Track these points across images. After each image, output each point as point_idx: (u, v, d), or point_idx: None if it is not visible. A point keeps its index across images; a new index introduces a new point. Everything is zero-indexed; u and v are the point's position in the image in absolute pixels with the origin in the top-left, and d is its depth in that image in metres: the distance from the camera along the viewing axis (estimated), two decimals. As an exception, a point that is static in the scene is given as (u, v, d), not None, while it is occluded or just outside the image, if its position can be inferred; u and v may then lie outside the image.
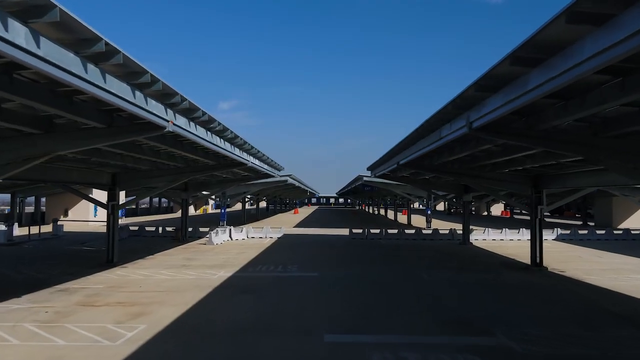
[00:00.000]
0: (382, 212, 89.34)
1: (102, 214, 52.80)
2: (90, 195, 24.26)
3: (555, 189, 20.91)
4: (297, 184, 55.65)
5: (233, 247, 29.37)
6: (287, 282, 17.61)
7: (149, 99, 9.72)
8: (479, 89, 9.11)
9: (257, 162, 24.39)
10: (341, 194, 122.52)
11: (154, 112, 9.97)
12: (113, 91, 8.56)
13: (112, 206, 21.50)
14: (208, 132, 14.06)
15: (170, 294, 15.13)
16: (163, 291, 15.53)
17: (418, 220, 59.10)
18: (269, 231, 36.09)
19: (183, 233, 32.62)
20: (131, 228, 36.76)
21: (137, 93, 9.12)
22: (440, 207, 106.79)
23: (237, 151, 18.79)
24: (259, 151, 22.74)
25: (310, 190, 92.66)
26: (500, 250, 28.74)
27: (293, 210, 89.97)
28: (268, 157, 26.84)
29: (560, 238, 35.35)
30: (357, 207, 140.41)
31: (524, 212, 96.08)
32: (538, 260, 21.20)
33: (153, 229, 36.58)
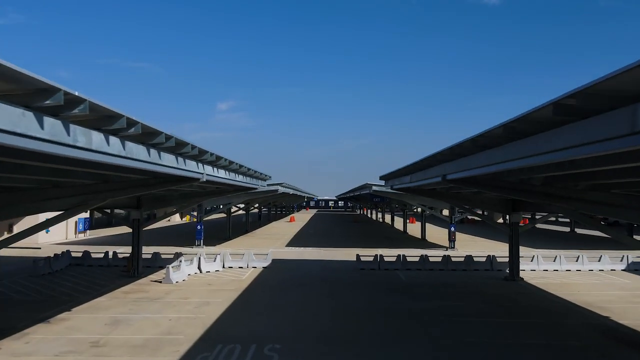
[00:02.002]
0: (386, 217, 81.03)
1: (58, 231, 44.21)
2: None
3: None
4: (291, 192, 47.49)
5: (197, 289, 21.10)
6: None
7: None
8: None
9: (222, 174, 16.15)
10: (342, 198, 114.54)
11: None
12: None
13: (-22, 248, 13.18)
14: (71, 128, 5.88)
15: None
16: None
17: (434, 234, 50.73)
18: (252, 258, 27.77)
19: (135, 264, 24.32)
20: (74, 254, 28.39)
21: None
22: (446, 211, 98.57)
23: (168, 160, 10.55)
24: (218, 158, 14.45)
25: (308, 195, 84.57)
26: (571, 292, 20.52)
27: (289, 218, 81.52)
28: (243, 167, 18.70)
29: (632, 268, 27.09)
30: (358, 211, 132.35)
31: (535, 217, 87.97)
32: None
33: (102, 254, 28.23)
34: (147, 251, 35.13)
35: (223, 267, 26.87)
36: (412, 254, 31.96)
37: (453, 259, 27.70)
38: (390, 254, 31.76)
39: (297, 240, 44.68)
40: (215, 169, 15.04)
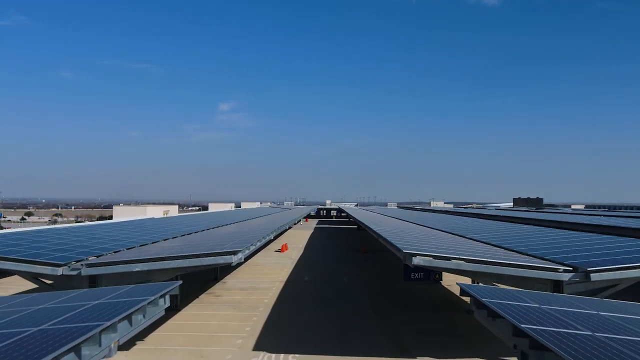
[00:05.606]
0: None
1: None
2: None
3: None
4: (272, 235, 31.23)
5: None
6: None
7: None
8: None
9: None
10: (346, 212, 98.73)
11: None
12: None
13: None
14: None
15: None
16: None
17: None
18: None
19: None
20: None
21: None
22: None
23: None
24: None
25: (304, 214, 68.57)
26: None
27: (280, 246, 64.90)
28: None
29: None
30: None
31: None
32: None
33: None
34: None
35: None
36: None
37: None
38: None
39: (282, 317, 28.18)
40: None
